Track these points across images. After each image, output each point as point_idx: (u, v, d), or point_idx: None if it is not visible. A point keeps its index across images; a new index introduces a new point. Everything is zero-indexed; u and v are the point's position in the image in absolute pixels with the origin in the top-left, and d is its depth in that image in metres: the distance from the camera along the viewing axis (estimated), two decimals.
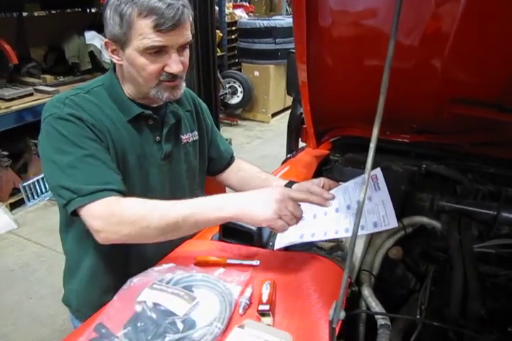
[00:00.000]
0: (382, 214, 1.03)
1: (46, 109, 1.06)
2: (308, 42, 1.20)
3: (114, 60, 1.10)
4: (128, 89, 1.14)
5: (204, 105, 1.40)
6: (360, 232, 0.74)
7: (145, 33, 0.98)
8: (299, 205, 0.99)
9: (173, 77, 1.06)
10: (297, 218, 0.96)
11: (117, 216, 0.95)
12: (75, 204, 0.97)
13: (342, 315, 0.58)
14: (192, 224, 0.96)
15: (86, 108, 1.06)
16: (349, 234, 1.07)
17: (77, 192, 0.97)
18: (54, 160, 1.01)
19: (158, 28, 0.96)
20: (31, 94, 3.81)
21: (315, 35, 1.20)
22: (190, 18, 1.04)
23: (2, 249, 3.24)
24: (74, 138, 1.01)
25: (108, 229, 0.96)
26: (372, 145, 0.46)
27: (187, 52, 1.09)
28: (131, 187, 1.13)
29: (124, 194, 1.02)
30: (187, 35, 1.03)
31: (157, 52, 1.01)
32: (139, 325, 0.86)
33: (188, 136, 1.27)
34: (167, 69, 1.03)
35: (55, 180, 1.00)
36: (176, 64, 1.03)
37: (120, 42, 1.04)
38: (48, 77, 4.22)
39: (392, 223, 0.99)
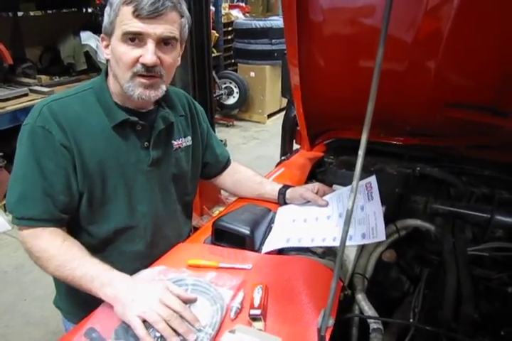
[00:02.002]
0: (372, 226, 1.02)
1: (28, 115, 1.08)
2: (299, 44, 1.19)
3: (105, 55, 1.09)
4: (115, 91, 1.12)
5: (200, 108, 1.39)
6: (347, 243, 0.72)
7: (125, 19, 0.99)
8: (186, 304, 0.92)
9: (148, 70, 1.02)
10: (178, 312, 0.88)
11: (29, 247, 1.05)
12: (12, 219, 1.08)
13: (331, 322, 0.57)
14: (77, 285, 0.98)
15: (63, 116, 1.06)
16: (336, 244, 1.06)
17: (11, 211, 1.06)
18: (14, 168, 1.07)
19: (136, 13, 0.97)
20: (26, 95, 3.79)
21: (306, 37, 1.18)
22: (176, 15, 1.03)
23: None
24: (34, 154, 1.04)
25: (25, 249, 1.07)
26: (360, 153, 0.45)
27: (173, 54, 1.06)
28: (114, 194, 1.13)
29: (58, 220, 1.08)
30: (169, 28, 1.01)
31: (135, 40, 1.00)
32: (129, 330, 0.86)
33: (181, 142, 1.25)
34: (141, 59, 1.01)
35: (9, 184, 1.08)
36: (150, 54, 1.00)
37: (108, 33, 1.05)
38: (43, 78, 4.20)
39: (381, 236, 0.98)
